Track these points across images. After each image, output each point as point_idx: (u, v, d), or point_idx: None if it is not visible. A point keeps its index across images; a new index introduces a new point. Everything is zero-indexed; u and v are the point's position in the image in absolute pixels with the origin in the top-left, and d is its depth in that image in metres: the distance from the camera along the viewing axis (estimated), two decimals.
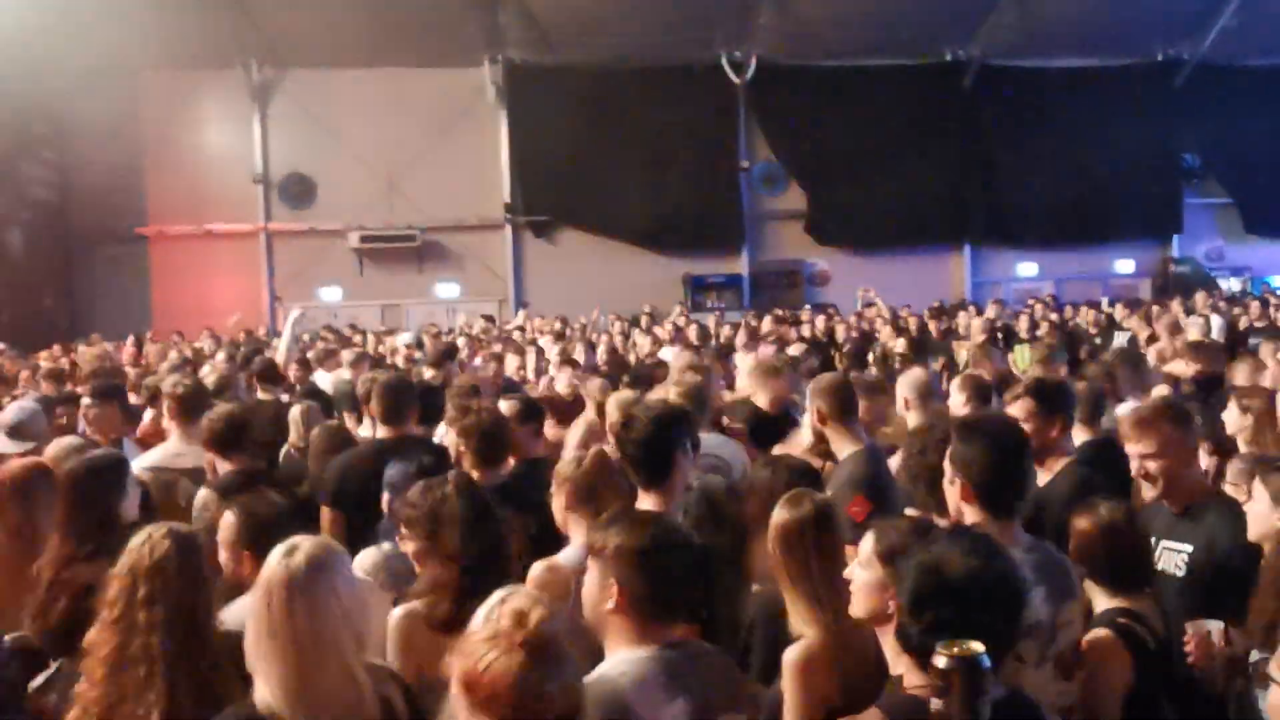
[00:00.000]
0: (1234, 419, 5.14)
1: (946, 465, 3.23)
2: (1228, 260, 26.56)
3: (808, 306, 19.59)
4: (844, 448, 4.81)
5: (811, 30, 22.94)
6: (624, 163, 23.30)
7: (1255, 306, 15.05)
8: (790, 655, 3.05)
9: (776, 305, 20.05)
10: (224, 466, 5.20)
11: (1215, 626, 3.04)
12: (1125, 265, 26.55)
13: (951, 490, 3.21)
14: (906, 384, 5.68)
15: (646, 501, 3.85)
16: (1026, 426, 4.14)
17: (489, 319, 18.75)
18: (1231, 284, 24.66)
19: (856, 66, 24.22)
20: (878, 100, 24.14)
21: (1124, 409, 5.42)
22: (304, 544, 2.74)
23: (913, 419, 5.37)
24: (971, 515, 3.15)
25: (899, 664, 2.53)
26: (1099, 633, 3.22)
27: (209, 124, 23.52)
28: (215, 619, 3.04)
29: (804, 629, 3.10)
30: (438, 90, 23.27)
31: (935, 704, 1.92)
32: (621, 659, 2.68)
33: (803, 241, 25.06)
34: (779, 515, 3.29)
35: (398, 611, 3.41)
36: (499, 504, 3.74)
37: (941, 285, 24.44)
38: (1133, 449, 3.85)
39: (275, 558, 2.69)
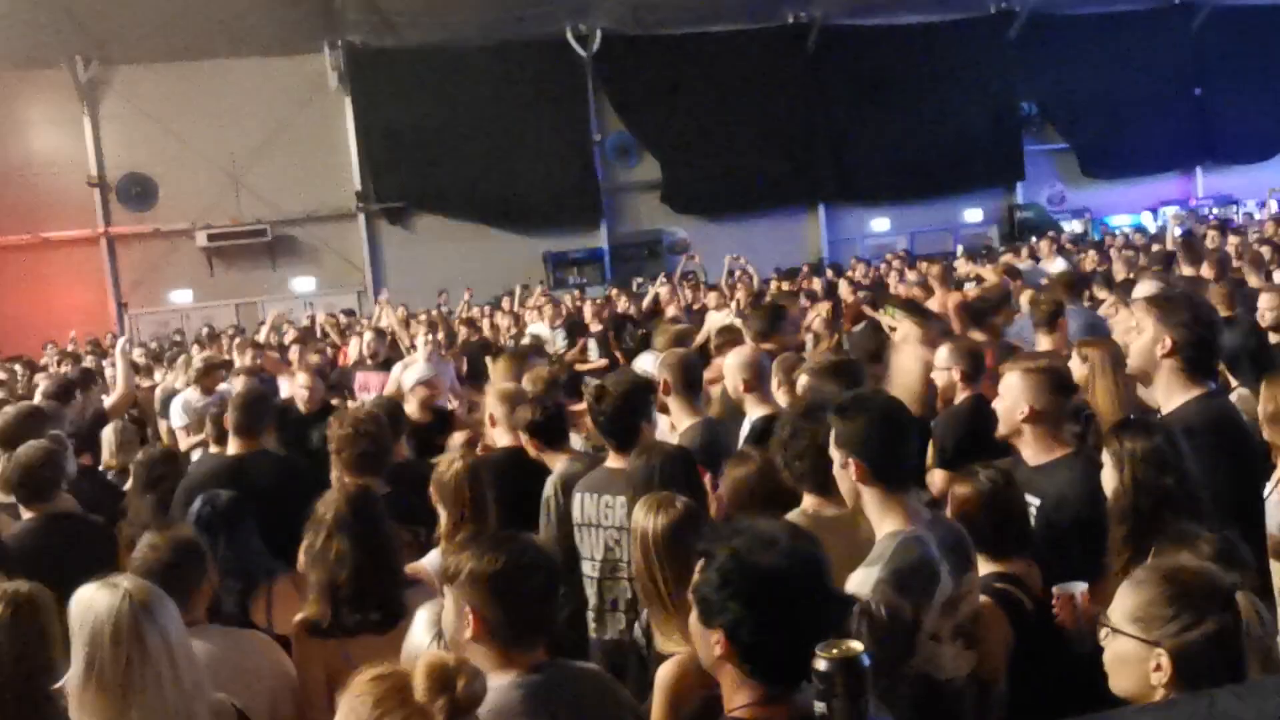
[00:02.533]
0: (1075, 367, 5.25)
1: (834, 450, 3.08)
2: (1068, 203, 27.59)
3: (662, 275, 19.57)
4: (683, 419, 5.00)
5: (653, 0, 22.96)
6: (475, 143, 23.02)
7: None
8: (664, 673, 2.89)
9: (638, 276, 20.08)
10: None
11: (1079, 588, 3.10)
12: (974, 214, 27.36)
13: (844, 474, 3.07)
14: (739, 364, 5.25)
15: (618, 462, 4.24)
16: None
17: (349, 313, 18.39)
18: (1074, 226, 25.63)
19: (700, 34, 24.34)
20: (724, 66, 24.32)
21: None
22: (124, 584, 2.62)
23: (750, 402, 5.17)
24: (871, 496, 3.04)
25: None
26: (979, 597, 3.27)
27: (36, 127, 22.49)
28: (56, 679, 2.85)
29: (677, 645, 2.94)
30: (277, 80, 22.62)
31: (819, 708, 1.90)
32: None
33: (660, 211, 25.17)
34: (650, 520, 3.13)
35: (296, 620, 3.39)
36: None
37: (799, 246, 24.85)
38: (1000, 404, 3.93)
39: (107, 597, 2.57)
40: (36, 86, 22.14)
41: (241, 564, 3.94)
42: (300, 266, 23.91)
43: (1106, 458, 3.32)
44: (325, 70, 23.26)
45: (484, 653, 2.59)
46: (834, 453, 3.09)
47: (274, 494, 4.77)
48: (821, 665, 1.87)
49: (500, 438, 5.38)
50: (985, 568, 3.35)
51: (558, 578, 2.80)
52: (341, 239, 24.00)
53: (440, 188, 23.45)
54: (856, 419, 3.05)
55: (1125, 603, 2.29)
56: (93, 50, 21.83)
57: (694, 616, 2.27)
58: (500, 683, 2.55)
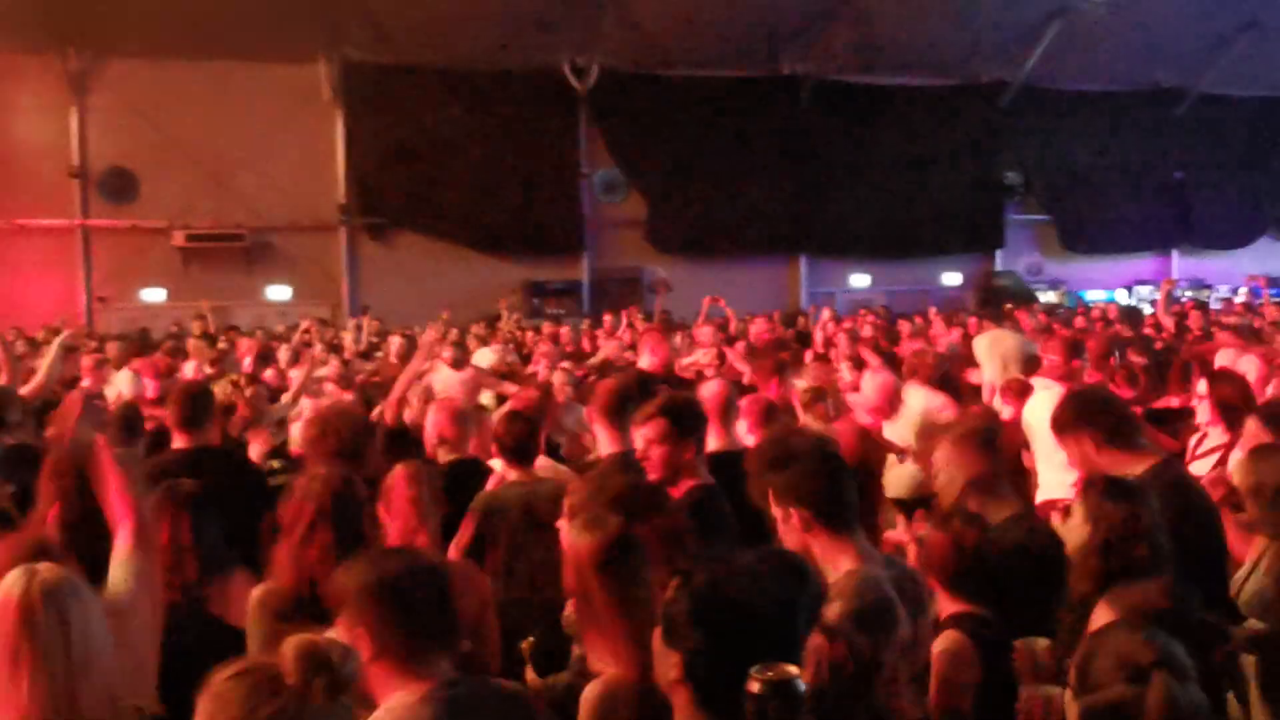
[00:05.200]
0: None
1: (774, 508, 3.07)
2: (1045, 274, 27.83)
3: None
4: (607, 448, 4.95)
5: (653, 40, 23.13)
6: (464, 166, 23.02)
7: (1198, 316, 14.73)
8: (591, 693, 2.83)
9: (616, 312, 19.99)
10: None
11: (1041, 644, 3.09)
12: (952, 278, 27.53)
13: (789, 527, 3.05)
14: (705, 395, 5.30)
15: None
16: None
17: (324, 322, 18.26)
18: (1050, 296, 25.86)
19: (697, 78, 24.52)
20: (717, 112, 24.50)
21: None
22: (42, 567, 2.55)
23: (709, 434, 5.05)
24: (819, 541, 3.02)
25: None
26: (948, 634, 3.25)
27: (20, 112, 22.14)
28: None
29: (607, 664, 2.88)
30: (270, 86, 22.47)
31: None
32: (390, 708, 2.47)
33: (643, 249, 25.18)
34: (586, 538, 3.04)
35: (256, 593, 3.39)
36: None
37: (778, 294, 24.89)
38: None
39: (16, 580, 2.48)
40: (25, 72, 21.86)
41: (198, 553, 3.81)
42: (276, 274, 23.71)
43: (1078, 511, 3.30)
44: (319, 81, 23.18)
45: (383, 674, 2.50)
46: (774, 510, 3.08)
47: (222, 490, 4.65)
48: (755, 687, 1.82)
49: (444, 455, 5.39)
50: (952, 608, 3.35)
51: (450, 589, 2.69)
52: (321, 251, 23.85)
53: (425, 207, 23.40)
54: (790, 468, 3.03)
55: None
56: (85, 40, 21.66)
57: (659, 632, 2.20)
58: (408, 700, 2.45)
